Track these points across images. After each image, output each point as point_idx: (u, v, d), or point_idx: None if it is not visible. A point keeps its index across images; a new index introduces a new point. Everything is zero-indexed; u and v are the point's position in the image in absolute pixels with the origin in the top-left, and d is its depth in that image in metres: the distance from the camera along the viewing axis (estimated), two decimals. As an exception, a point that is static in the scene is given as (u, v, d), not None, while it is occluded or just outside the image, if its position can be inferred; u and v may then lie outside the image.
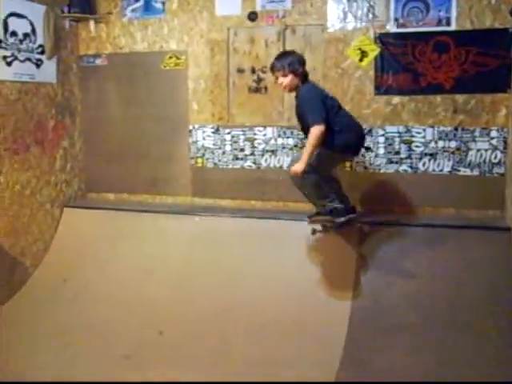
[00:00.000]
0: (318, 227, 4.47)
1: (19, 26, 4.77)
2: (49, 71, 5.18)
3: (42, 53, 5.06)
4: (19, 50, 4.78)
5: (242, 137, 5.31)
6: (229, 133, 5.34)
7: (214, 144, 5.39)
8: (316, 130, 3.76)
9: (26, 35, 4.84)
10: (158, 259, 4.82)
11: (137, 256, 4.90)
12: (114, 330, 4.12)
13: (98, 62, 5.62)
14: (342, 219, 4.15)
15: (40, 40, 5.03)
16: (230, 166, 5.37)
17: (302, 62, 4.08)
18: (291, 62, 4.01)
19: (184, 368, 3.64)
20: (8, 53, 4.66)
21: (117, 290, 4.61)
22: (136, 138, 5.58)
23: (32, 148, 5.03)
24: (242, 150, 5.33)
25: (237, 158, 5.35)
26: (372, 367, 3.53)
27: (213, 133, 5.38)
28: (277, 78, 4.09)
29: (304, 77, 4.07)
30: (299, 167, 3.83)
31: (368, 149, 4.77)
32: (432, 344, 3.65)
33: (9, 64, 4.68)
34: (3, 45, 4.61)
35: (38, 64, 5.02)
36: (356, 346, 3.75)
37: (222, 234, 4.89)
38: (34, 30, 4.93)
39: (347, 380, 3.43)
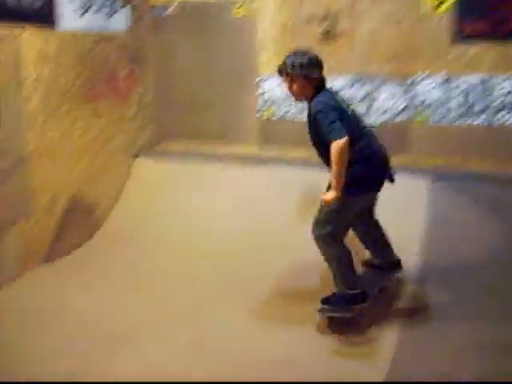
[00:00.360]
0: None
1: (95, -27, 4.73)
2: (121, 21, 5.20)
3: (115, 1, 5.07)
4: (93, 0, 4.79)
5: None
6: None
7: (281, 95, 5.21)
8: (337, 144, 3.02)
9: None
10: (226, 210, 4.83)
11: (205, 206, 4.92)
12: (180, 279, 4.14)
13: (170, 11, 5.55)
14: (349, 313, 3.35)
15: None
16: (299, 118, 5.10)
17: (317, 64, 3.27)
18: (302, 64, 3.20)
19: (246, 315, 3.60)
20: (83, 2, 4.68)
21: (184, 240, 4.63)
22: (206, 87, 5.57)
23: (105, 97, 5.09)
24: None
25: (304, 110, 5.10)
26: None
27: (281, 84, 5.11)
28: (285, 82, 3.35)
29: (320, 83, 3.29)
30: (331, 195, 3.10)
31: (392, 180, 3.48)
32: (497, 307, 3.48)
33: (83, 14, 4.70)
34: None
35: (111, 14, 5.04)
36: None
37: (289, 184, 4.77)
38: (108, -21, 4.90)
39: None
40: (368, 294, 3.41)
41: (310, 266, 3.96)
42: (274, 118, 5.33)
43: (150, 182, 5.34)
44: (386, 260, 3.69)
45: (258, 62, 5.29)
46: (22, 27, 4.08)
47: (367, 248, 3.74)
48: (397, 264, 3.72)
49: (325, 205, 3.22)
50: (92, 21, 4.81)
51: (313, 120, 3.22)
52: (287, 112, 5.27)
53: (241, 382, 2.99)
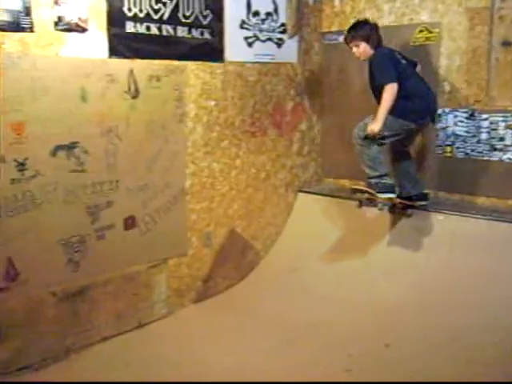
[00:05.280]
0: (364, 200, 4.58)
1: (262, 5, 4.74)
2: (290, 51, 5.09)
3: (284, 32, 4.99)
4: (261, 30, 4.75)
5: (502, 124, 4.52)
6: (486, 119, 4.58)
7: (466, 131, 4.70)
8: (390, 87, 3.96)
9: (268, 14, 4.80)
10: (394, 259, 4.42)
11: (370, 253, 4.56)
12: (338, 334, 3.77)
13: (341, 39, 4.92)
14: (382, 196, 4.30)
15: (282, 18, 4.94)
16: (486, 158, 4.62)
17: (374, 28, 4.26)
18: (362, 31, 4.23)
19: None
20: (250, 33, 4.65)
21: (347, 288, 4.32)
22: None
23: (269, 130, 5.00)
24: (502, 139, 4.54)
25: (494, 149, 4.58)
26: None
27: (466, 118, 4.69)
28: (351, 49, 4.29)
29: (377, 42, 4.23)
30: (377, 125, 3.98)
31: (433, 121, 4.45)
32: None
33: (250, 45, 4.67)
34: (246, 25, 4.61)
35: (279, 44, 4.96)
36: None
37: (469, 237, 4.25)
38: (276, 9, 4.87)
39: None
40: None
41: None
42: (458, 156, 4.77)
43: (313, 220, 5.05)
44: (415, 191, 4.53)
45: (441, 93, 4.75)
46: (189, 60, 4.13)
47: (399, 181, 4.53)
48: (424, 195, 4.54)
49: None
50: (259, 52, 4.78)
51: (371, 67, 4.21)
52: (473, 150, 4.69)
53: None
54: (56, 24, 3.32)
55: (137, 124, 3.84)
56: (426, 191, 4.57)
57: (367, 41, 4.23)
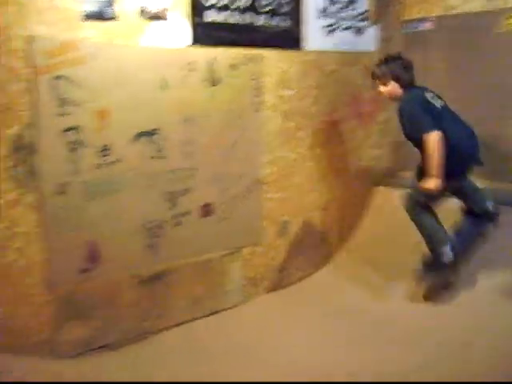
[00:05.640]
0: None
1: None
2: (369, 40, 4.95)
3: (364, 20, 4.85)
4: (341, 19, 4.65)
5: None
6: None
7: None
8: (431, 137, 3.42)
9: (349, 2, 4.69)
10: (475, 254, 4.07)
11: None
12: (413, 331, 3.60)
13: (424, 26, 4.90)
14: (447, 270, 3.80)
15: (363, 6, 4.82)
16: None
17: (407, 66, 3.77)
18: (393, 69, 3.74)
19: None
20: (329, 22, 4.56)
21: None
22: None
23: (346, 121, 4.89)
24: None
25: None
26: None
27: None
28: (377, 86, 3.88)
29: (409, 82, 3.75)
30: (432, 183, 3.46)
31: (481, 164, 3.79)
32: None
33: (329, 33, 4.59)
34: (325, 14, 4.51)
35: (359, 32, 4.84)
36: None
37: None
38: (358, -4, 4.73)
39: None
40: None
41: None
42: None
43: (389, 213, 4.85)
44: (483, 209, 3.85)
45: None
46: (268, 48, 4.12)
47: (464, 203, 3.93)
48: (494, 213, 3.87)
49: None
50: (338, 41, 4.68)
51: (401, 117, 3.66)
52: None
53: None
54: (139, 13, 3.41)
55: (215, 113, 3.87)
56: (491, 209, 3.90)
57: (397, 79, 3.74)
